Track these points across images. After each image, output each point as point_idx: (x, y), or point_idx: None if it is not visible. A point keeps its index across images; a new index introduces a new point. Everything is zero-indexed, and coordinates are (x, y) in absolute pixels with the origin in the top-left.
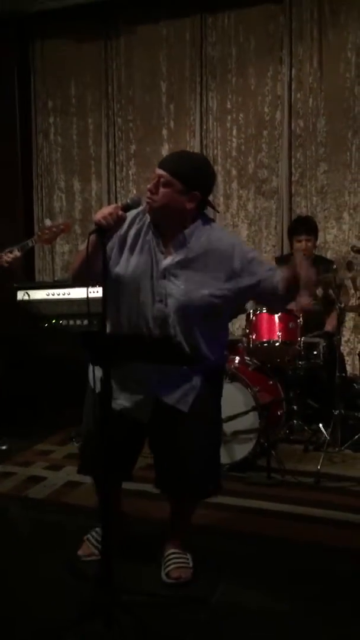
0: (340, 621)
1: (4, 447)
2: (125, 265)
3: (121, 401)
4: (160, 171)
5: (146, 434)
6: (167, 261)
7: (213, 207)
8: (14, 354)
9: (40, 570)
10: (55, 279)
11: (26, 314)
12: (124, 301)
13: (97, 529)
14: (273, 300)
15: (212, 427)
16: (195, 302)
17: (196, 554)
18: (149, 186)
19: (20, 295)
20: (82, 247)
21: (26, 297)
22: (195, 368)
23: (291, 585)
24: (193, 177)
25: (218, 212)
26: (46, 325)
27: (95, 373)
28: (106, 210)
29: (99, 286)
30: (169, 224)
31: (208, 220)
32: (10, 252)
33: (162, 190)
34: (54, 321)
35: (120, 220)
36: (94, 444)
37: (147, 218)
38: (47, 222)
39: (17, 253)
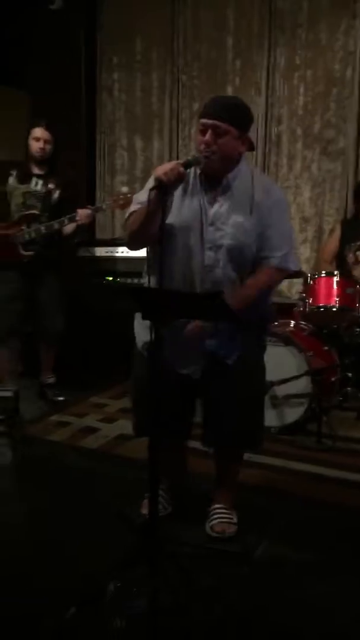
0: None
1: (61, 399)
2: (176, 215)
3: (173, 358)
4: (213, 121)
5: (197, 391)
6: (215, 208)
7: (253, 146)
8: (74, 308)
9: (88, 518)
10: (115, 236)
11: (87, 270)
12: (176, 253)
13: (161, 487)
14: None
15: (255, 383)
16: (244, 245)
17: (242, 511)
18: (206, 138)
19: (82, 251)
20: (136, 206)
21: (87, 254)
22: (240, 324)
23: (336, 545)
24: (243, 120)
25: (254, 150)
26: (105, 281)
27: (141, 333)
28: (167, 166)
29: (155, 244)
30: (222, 172)
31: (244, 161)
32: (78, 212)
33: (220, 140)
34: (112, 278)
35: (180, 177)
36: (146, 406)
37: (192, 170)
38: (124, 189)
39: (87, 211)
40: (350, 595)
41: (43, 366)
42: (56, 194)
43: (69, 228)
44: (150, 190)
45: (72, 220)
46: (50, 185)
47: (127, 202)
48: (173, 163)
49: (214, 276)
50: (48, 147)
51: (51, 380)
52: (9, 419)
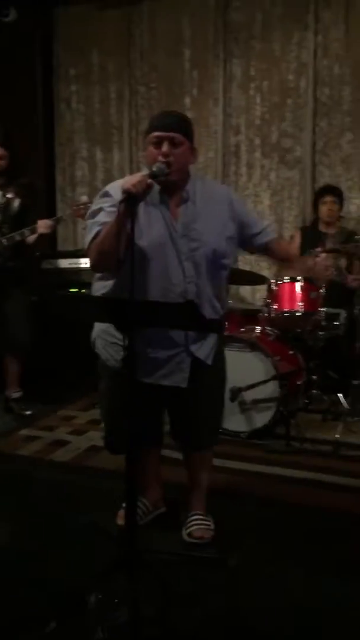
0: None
1: (28, 412)
2: (146, 234)
3: (152, 371)
4: (170, 133)
5: (167, 398)
6: (181, 219)
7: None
8: (39, 321)
9: (64, 531)
10: (77, 247)
11: (50, 282)
12: (148, 271)
13: (140, 497)
14: (268, 255)
15: (224, 381)
16: (219, 247)
17: (215, 516)
18: (164, 149)
19: (45, 263)
20: (97, 228)
21: (50, 266)
22: (217, 331)
23: (308, 548)
24: (192, 132)
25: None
26: (69, 293)
27: (109, 349)
28: (135, 178)
29: (123, 260)
30: (180, 183)
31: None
32: (39, 223)
33: (176, 151)
34: (76, 289)
35: (148, 189)
36: (120, 422)
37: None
38: (84, 198)
39: (49, 222)
40: (327, 596)
41: (8, 380)
42: (16, 203)
43: (31, 239)
44: (120, 202)
45: (33, 231)
46: (9, 195)
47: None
48: (140, 175)
49: (194, 287)
50: (3, 162)
51: (17, 394)
52: None
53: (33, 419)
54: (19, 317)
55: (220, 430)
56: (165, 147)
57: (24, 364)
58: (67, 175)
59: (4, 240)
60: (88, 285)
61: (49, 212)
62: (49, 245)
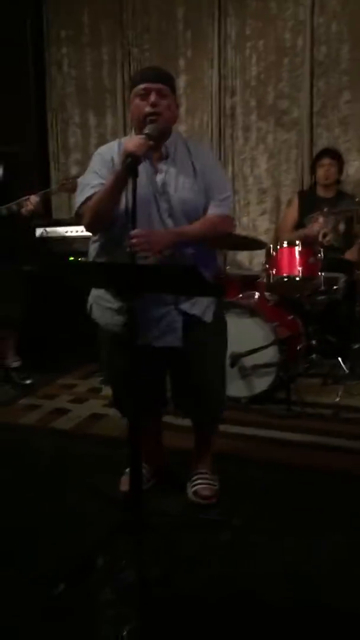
0: None
1: (28, 382)
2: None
3: (146, 333)
4: (157, 85)
5: (169, 361)
6: (161, 176)
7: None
8: (36, 290)
9: (67, 497)
10: (72, 215)
11: (45, 251)
12: (137, 226)
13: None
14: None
15: (225, 341)
16: (197, 204)
17: (219, 481)
18: (152, 99)
19: (39, 232)
20: (90, 190)
21: (44, 234)
22: (221, 295)
23: (312, 507)
24: (175, 86)
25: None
26: (66, 261)
27: (106, 314)
28: (136, 140)
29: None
30: (163, 138)
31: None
32: (30, 199)
33: (164, 102)
34: (72, 258)
35: (149, 150)
36: (122, 386)
37: None
38: (72, 172)
39: (36, 199)
40: (332, 556)
41: (6, 350)
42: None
43: (23, 211)
44: (123, 164)
45: (19, 206)
46: None
47: (76, 186)
48: (139, 137)
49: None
50: None
51: (16, 363)
52: None
53: (33, 388)
54: (9, 289)
55: (224, 394)
56: (153, 97)
57: (20, 333)
58: (60, 141)
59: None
60: (83, 254)
61: (43, 179)
62: (44, 214)
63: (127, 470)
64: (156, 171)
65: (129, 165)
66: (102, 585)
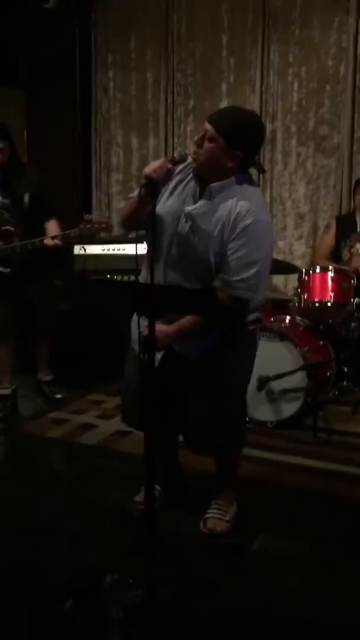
0: None
1: (58, 396)
2: (161, 208)
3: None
4: (207, 125)
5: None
6: (193, 206)
7: (260, 169)
8: (71, 306)
9: (86, 512)
10: (113, 234)
11: (82, 268)
12: (162, 242)
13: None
14: None
15: (229, 386)
16: (195, 253)
17: (239, 505)
18: (195, 139)
19: (77, 249)
20: (129, 200)
21: (82, 252)
22: (236, 323)
23: (332, 538)
24: (236, 135)
25: (264, 173)
26: (99, 279)
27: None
28: (156, 164)
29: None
30: (210, 177)
31: (245, 181)
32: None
33: (206, 145)
34: (108, 276)
35: (169, 174)
36: (135, 398)
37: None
38: (91, 217)
39: (57, 242)
40: (349, 588)
41: (39, 364)
42: (26, 198)
43: (49, 242)
44: (141, 187)
45: (41, 242)
46: (18, 191)
47: (94, 232)
48: (161, 160)
49: (176, 269)
50: (3, 156)
51: (49, 377)
52: (7, 417)
53: (63, 402)
54: (42, 303)
55: (229, 439)
56: (197, 137)
57: (49, 346)
58: (102, 162)
59: (17, 247)
60: (120, 272)
61: (85, 199)
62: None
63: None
64: (195, 200)
65: (145, 186)
66: (110, 603)
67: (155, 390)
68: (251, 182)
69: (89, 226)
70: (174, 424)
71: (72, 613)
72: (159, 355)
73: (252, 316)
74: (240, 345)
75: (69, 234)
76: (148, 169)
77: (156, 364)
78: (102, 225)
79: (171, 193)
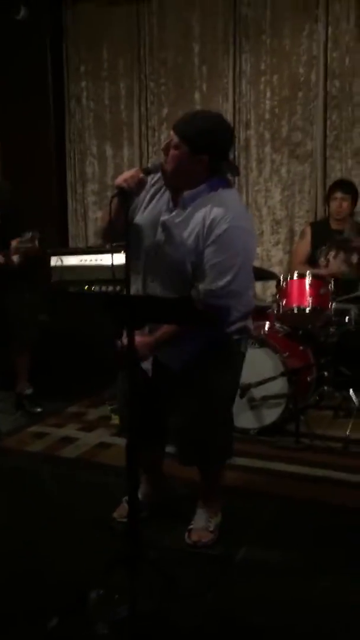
0: None
1: (38, 409)
2: (139, 219)
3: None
4: (172, 133)
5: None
6: (167, 216)
7: (233, 170)
8: (49, 318)
9: (69, 526)
10: (88, 245)
11: (59, 280)
12: (136, 257)
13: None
14: None
15: (210, 397)
16: (172, 262)
17: (222, 513)
18: (162, 146)
19: (54, 261)
20: (104, 210)
21: (59, 263)
22: (197, 332)
23: (315, 546)
24: (199, 139)
25: (238, 175)
26: (77, 290)
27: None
28: (127, 174)
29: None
30: (181, 185)
31: (220, 185)
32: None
33: (171, 152)
34: (86, 287)
35: (141, 184)
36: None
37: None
38: (28, 235)
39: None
40: (335, 594)
41: (18, 377)
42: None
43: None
44: (112, 197)
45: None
46: None
47: (23, 251)
48: (133, 170)
49: (157, 283)
50: None
51: (29, 391)
52: None
53: (43, 415)
54: (23, 314)
55: (211, 449)
56: (164, 145)
57: (32, 361)
58: (77, 172)
59: None
60: (98, 282)
61: (61, 209)
62: (59, 242)
63: (124, 499)
64: (171, 211)
65: (116, 196)
66: (95, 619)
67: (143, 400)
68: (227, 185)
69: (26, 242)
70: (162, 434)
71: (58, 631)
72: (149, 366)
73: (236, 326)
74: (222, 356)
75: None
76: (119, 179)
77: (149, 374)
78: (29, 245)
79: (148, 203)
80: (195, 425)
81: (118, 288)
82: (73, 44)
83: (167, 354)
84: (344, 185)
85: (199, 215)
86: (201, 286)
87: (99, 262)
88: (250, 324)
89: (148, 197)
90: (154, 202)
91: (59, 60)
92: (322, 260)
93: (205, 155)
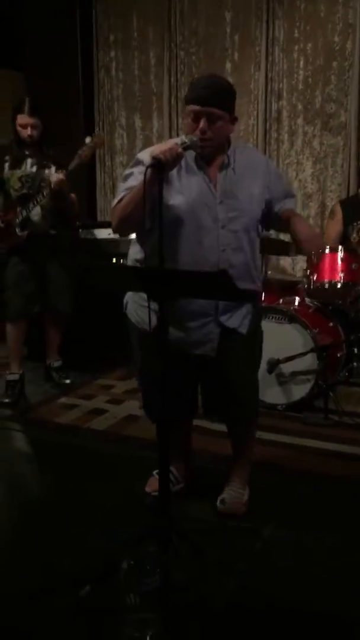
0: None
1: (67, 381)
2: (185, 195)
3: (183, 340)
4: (207, 108)
5: (202, 368)
6: (220, 186)
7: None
8: (78, 291)
9: (98, 498)
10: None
11: (90, 252)
12: (181, 234)
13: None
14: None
15: (260, 351)
16: (256, 216)
17: (251, 489)
18: (201, 126)
19: (84, 234)
20: (123, 192)
21: (90, 236)
22: (250, 300)
23: (345, 520)
24: (232, 102)
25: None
26: (104, 263)
27: (143, 317)
28: (165, 146)
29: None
30: (217, 153)
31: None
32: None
33: (215, 126)
34: (115, 260)
35: (178, 158)
36: (153, 389)
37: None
38: (87, 140)
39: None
40: None
41: (49, 348)
42: (52, 171)
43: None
44: (147, 167)
45: (45, 188)
46: (45, 164)
47: (91, 152)
48: (171, 142)
49: (228, 255)
50: (35, 132)
51: (58, 363)
52: (16, 403)
53: (72, 387)
54: (61, 285)
55: (257, 405)
56: (202, 124)
57: (63, 333)
58: (106, 144)
59: (31, 205)
60: (126, 256)
61: (89, 181)
62: (88, 216)
63: (155, 472)
64: (212, 181)
65: (152, 167)
66: (127, 589)
67: (175, 376)
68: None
69: (85, 149)
70: (193, 408)
71: (89, 599)
72: (214, 344)
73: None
74: (259, 311)
75: (71, 165)
76: (157, 151)
77: (214, 353)
78: (95, 141)
79: (180, 183)
80: (247, 384)
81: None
82: (103, 13)
83: (237, 319)
84: None
85: (248, 164)
86: (288, 199)
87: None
88: None
89: (177, 178)
90: (191, 181)
91: (89, 29)
92: (354, 237)
93: (234, 113)
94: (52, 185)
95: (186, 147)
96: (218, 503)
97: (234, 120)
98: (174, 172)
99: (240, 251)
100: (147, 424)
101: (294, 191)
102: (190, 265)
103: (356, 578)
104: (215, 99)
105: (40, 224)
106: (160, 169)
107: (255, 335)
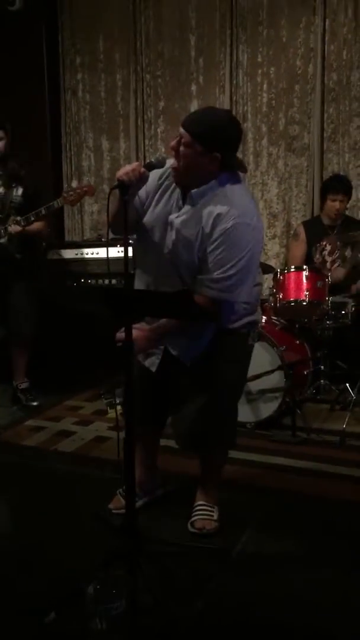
0: None
1: (35, 403)
2: (149, 216)
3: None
4: (182, 130)
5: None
6: (176, 214)
7: (241, 167)
8: (46, 311)
9: (65, 520)
10: (84, 238)
11: (56, 273)
12: (148, 251)
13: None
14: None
15: (217, 389)
16: (183, 262)
17: (221, 507)
18: (171, 144)
19: (51, 254)
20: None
21: (56, 256)
22: (207, 325)
23: (315, 536)
24: (213, 137)
25: (245, 172)
26: (75, 284)
27: None
28: (128, 167)
29: (132, 239)
30: (192, 183)
31: (229, 181)
32: (35, 215)
33: (183, 150)
34: (82, 280)
35: (142, 178)
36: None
37: None
38: (74, 184)
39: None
40: (334, 587)
41: (16, 370)
42: (19, 192)
43: (34, 226)
44: (111, 189)
45: (37, 215)
46: (13, 184)
47: (77, 197)
48: (135, 164)
49: (169, 280)
50: (1, 144)
51: (25, 385)
52: None
53: (40, 409)
54: (24, 307)
55: (216, 436)
56: (174, 142)
57: (29, 355)
58: (73, 164)
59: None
60: (94, 276)
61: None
62: (55, 236)
63: (119, 490)
64: (180, 209)
65: (116, 188)
66: (93, 614)
67: (145, 392)
68: (236, 181)
69: (71, 192)
70: (161, 425)
71: (55, 625)
72: (157, 360)
73: (244, 320)
74: (231, 349)
75: (52, 204)
76: (120, 172)
77: (153, 369)
78: (85, 189)
79: (158, 201)
80: (202, 415)
81: (114, 281)
82: (68, 36)
83: (178, 347)
84: (344, 185)
85: (205, 212)
86: (201, 277)
87: (95, 256)
88: (259, 316)
89: (158, 194)
90: (164, 199)
91: (55, 52)
92: (317, 257)
93: (218, 152)
94: (11, 233)
95: (151, 166)
96: (189, 524)
97: (213, 158)
98: (162, 188)
99: (179, 280)
100: (115, 445)
101: (231, 270)
102: (154, 284)
103: (326, 593)
104: (193, 126)
105: (5, 247)
106: (123, 190)
107: (213, 374)
